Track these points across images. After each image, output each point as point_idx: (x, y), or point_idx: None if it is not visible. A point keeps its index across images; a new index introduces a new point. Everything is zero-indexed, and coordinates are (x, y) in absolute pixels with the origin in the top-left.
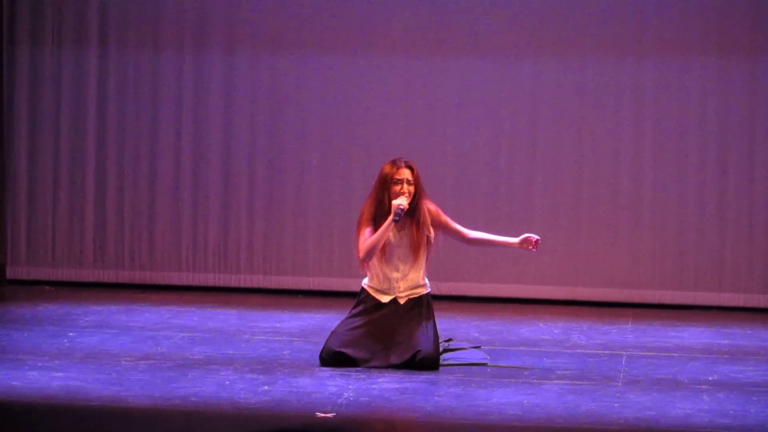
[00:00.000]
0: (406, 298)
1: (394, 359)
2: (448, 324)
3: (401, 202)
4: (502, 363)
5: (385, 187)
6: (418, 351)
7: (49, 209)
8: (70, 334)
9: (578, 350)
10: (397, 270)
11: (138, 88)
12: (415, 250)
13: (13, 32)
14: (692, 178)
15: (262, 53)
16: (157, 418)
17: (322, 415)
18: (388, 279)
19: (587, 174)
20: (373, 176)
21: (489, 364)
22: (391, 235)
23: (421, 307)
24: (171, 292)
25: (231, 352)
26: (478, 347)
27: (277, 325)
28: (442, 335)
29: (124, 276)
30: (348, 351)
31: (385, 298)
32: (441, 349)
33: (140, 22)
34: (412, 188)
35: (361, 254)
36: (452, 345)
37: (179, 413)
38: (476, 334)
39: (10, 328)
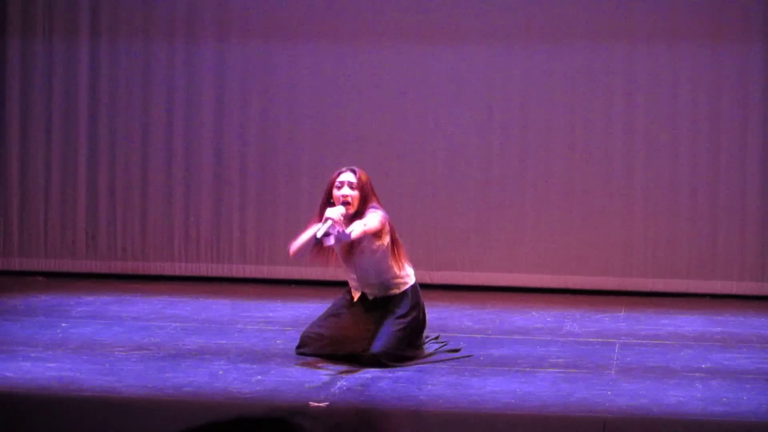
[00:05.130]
0: (373, 297)
1: (349, 349)
2: (440, 313)
3: (334, 213)
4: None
5: (328, 192)
6: (369, 349)
7: (41, 200)
8: (63, 324)
9: (571, 338)
10: (353, 273)
11: (129, 78)
12: (355, 258)
13: (4, 23)
14: (684, 166)
15: (253, 43)
16: (150, 408)
17: (316, 404)
18: (353, 278)
19: (579, 162)
20: (365, 166)
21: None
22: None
23: (394, 304)
24: (163, 282)
25: (224, 342)
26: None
27: (270, 314)
28: (435, 325)
29: (117, 266)
30: (306, 350)
31: (356, 295)
32: (419, 350)
33: (131, 11)
34: (355, 194)
35: (290, 253)
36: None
37: (172, 403)
38: (469, 323)
39: (3, 318)
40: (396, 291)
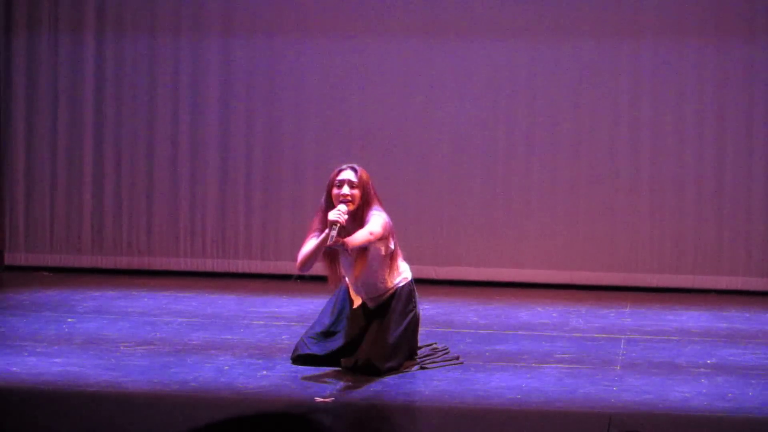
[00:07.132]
0: (374, 303)
1: (347, 362)
2: (446, 308)
3: (336, 215)
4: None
5: (329, 192)
6: (365, 357)
7: (47, 195)
8: (69, 320)
9: (577, 334)
10: (352, 277)
11: (135, 73)
12: (356, 262)
13: (10, 18)
14: (690, 162)
15: (258, 37)
16: (155, 404)
17: (321, 399)
18: (351, 283)
19: (585, 157)
20: (371, 161)
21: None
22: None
23: (388, 307)
24: (169, 277)
25: (229, 337)
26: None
27: (276, 310)
28: (441, 321)
29: (122, 262)
30: (300, 364)
31: (357, 302)
32: (418, 359)
33: (137, 6)
34: (356, 192)
35: (297, 265)
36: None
37: (178, 398)
38: (474, 319)
39: (9, 314)
40: (391, 293)
